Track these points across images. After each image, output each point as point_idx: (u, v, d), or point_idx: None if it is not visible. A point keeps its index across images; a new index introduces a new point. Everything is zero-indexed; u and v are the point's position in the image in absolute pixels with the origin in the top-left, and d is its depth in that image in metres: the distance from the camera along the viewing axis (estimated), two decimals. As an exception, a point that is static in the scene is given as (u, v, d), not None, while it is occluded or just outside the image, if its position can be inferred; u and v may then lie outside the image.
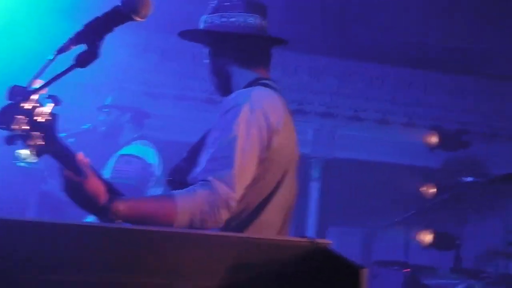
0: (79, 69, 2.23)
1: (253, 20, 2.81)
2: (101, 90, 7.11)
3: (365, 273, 1.72)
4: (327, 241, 1.92)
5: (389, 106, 9.40)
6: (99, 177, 2.35)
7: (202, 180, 2.37)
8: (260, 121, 2.48)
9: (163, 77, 8.67)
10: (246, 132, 2.44)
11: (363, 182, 9.91)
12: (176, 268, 1.73)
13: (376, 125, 9.35)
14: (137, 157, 5.43)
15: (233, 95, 2.62)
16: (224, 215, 2.35)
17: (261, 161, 2.52)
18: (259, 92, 2.62)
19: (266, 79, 2.79)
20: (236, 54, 2.79)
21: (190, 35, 2.90)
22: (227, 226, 2.50)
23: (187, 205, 2.28)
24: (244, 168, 2.41)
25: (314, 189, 9.30)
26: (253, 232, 2.58)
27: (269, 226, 2.65)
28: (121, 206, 2.28)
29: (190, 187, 2.37)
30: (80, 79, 6.96)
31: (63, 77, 2.22)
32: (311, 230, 9.33)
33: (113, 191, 2.36)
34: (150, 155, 5.62)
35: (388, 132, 9.33)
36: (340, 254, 1.87)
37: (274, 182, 2.62)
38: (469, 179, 5.38)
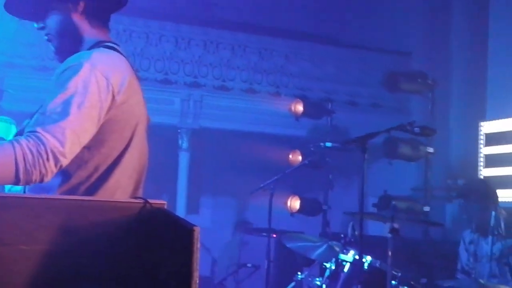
0: None
1: None
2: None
3: (197, 232, 1.69)
4: (162, 202, 1.88)
5: (255, 75, 9.47)
6: None
7: (29, 132, 2.27)
8: (100, 79, 2.41)
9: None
10: (83, 89, 2.36)
11: (232, 151, 10.00)
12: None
13: (243, 94, 9.40)
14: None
15: (73, 55, 2.53)
16: (51, 169, 2.24)
17: (104, 121, 2.45)
18: (100, 52, 2.55)
19: (108, 42, 2.72)
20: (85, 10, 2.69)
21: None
22: (76, 191, 2.43)
23: (7, 153, 2.17)
24: (80, 125, 2.32)
25: (183, 159, 9.25)
26: (103, 195, 2.50)
27: (120, 189, 2.57)
28: None
29: (13, 138, 2.27)
30: None
31: None
32: (181, 201, 9.29)
33: None
34: (5, 131, 5.35)
35: (255, 102, 9.41)
36: (174, 214, 1.83)
37: (122, 143, 2.55)
38: (328, 144, 5.51)
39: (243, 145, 9.36)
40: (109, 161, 2.53)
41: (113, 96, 2.46)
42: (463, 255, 4.95)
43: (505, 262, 4.25)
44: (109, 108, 2.45)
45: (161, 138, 9.76)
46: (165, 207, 1.87)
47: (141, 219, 1.82)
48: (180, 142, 9.28)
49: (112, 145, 2.53)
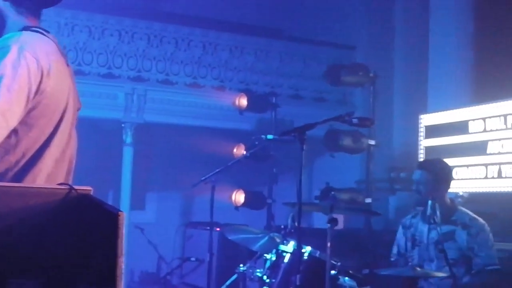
0: None
1: None
2: None
3: (122, 218, 1.69)
4: (87, 188, 1.86)
5: (199, 70, 9.45)
6: None
7: None
8: (30, 61, 2.40)
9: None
10: (12, 72, 2.35)
11: (176, 146, 9.96)
12: None
13: (187, 88, 9.37)
14: None
15: (1, 38, 2.52)
16: None
17: (32, 106, 2.43)
18: (28, 35, 2.54)
19: (37, 27, 2.70)
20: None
21: None
22: (4, 176, 2.41)
23: None
24: (9, 108, 2.31)
25: (127, 154, 9.15)
26: (31, 181, 2.48)
27: (49, 175, 2.55)
28: None
29: None
30: None
31: None
32: (126, 197, 9.20)
33: None
34: None
35: (199, 96, 9.38)
36: (100, 200, 1.82)
37: (50, 128, 2.53)
38: (270, 136, 5.54)
39: (188, 139, 9.33)
40: (37, 146, 2.51)
41: (42, 78, 2.45)
42: (401, 239, 5.05)
43: (441, 248, 4.34)
44: (38, 91, 2.44)
45: (105, 132, 9.73)
46: (91, 193, 1.86)
47: (66, 205, 1.80)
48: (124, 136, 9.19)
49: (40, 130, 2.51)
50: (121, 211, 1.69)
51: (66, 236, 1.79)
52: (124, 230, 1.70)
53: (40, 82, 2.45)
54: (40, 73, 2.44)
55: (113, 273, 1.67)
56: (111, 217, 1.70)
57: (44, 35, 2.65)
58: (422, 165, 5.00)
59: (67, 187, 1.82)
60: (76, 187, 1.83)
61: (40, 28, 2.70)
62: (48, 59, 2.51)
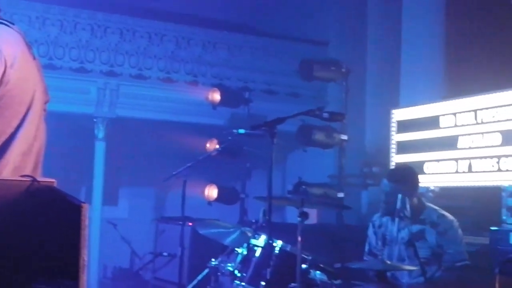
0: None
1: None
2: None
3: (85, 209, 1.68)
4: (51, 180, 1.85)
5: (172, 64, 9.42)
6: None
7: None
8: None
9: None
10: None
11: (149, 141, 9.92)
12: None
13: (160, 83, 9.33)
14: None
15: None
16: None
17: None
18: None
19: (1, 19, 2.67)
20: None
21: None
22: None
23: None
24: None
25: (100, 149, 9.09)
26: None
27: (14, 168, 2.52)
28: None
29: None
30: None
31: None
32: (98, 192, 9.15)
33: None
34: None
35: (172, 91, 9.35)
36: (63, 192, 1.81)
37: (16, 120, 2.50)
38: (241, 131, 5.54)
39: (161, 134, 9.31)
40: (3, 138, 2.48)
41: (5, 69, 2.42)
42: (372, 237, 5.07)
43: (411, 242, 4.36)
44: (1, 82, 2.41)
45: (77, 127, 9.66)
46: (54, 185, 1.84)
47: (29, 197, 1.79)
48: (96, 131, 9.13)
49: (6, 122, 2.48)
50: (84, 202, 1.69)
51: (29, 228, 1.78)
52: (87, 222, 1.69)
53: (4, 73, 2.42)
54: (3, 64, 2.41)
55: (76, 265, 1.67)
56: (74, 208, 1.69)
57: (9, 26, 2.62)
58: (392, 178, 4.94)
59: (29, 178, 1.81)
60: (39, 179, 1.82)
61: (3, 19, 2.67)
62: (12, 50, 2.48)
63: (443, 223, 4.75)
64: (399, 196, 4.42)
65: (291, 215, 8.69)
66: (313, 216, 9.24)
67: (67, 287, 1.65)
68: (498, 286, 3.76)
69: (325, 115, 4.46)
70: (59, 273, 1.69)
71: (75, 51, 8.77)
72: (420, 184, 4.97)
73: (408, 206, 4.37)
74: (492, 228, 4.39)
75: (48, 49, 8.58)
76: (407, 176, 4.98)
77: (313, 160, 9.02)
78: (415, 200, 4.83)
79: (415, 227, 4.62)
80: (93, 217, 8.86)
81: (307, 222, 4.29)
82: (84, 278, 1.67)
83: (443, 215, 4.81)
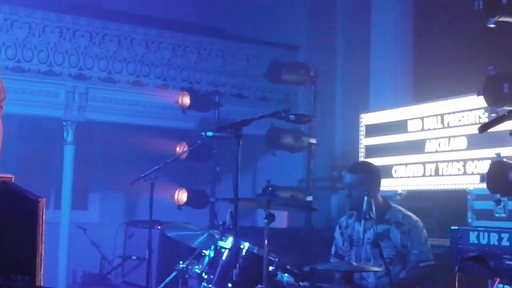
0: None
1: None
2: None
3: (42, 204, 1.68)
4: (9, 176, 1.84)
5: (142, 68, 9.38)
6: None
7: None
8: None
9: None
10: None
11: (119, 144, 9.88)
12: None
13: (130, 87, 9.29)
14: None
15: None
16: None
17: None
18: None
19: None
20: None
21: None
22: None
23: None
24: None
25: (69, 153, 9.01)
26: None
27: None
28: None
29: None
30: None
31: None
32: (67, 197, 9.06)
33: None
34: None
35: (142, 94, 9.32)
36: (20, 188, 1.80)
37: None
38: (209, 133, 5.56)
39: (131, 138, 9.27)
40: None
41: None
42: (338, 239, 5.10)
43: (376, 243, 4.38)
44: None
45: (45, 131, 9.59)
46: (12, 180, 1.84)
47: (-14, 194, 1.78)
48: (65, 135, 9.05)
49: None
50: (41, 197, 1.68)
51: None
52: (44, 217, 1.69)
53: None
54: None
55: (33, 260, 1.66)
56: (31, 204, 1.69)
57: None
58: (351, 169, 5.01)
59: (-13, 175, 1.80)
60: (-3, 175, 1.81)
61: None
62: None
63: (407, 223, 4.80)
64: (365, 198, 4.45)
65: (262, 219, 8.72)
66: (284, 220, 9.28)
67: (23, 283, 1.64)
68: (458, 284, 3.80)
69: (292, 117, 4.50)
70: (15, 268, 1.68)
71: (44, 54, 8.69)
72: (388, 188, 5.02)
73: (374, 208, 4.41)
74: (452, 227, 4.42)
75: (16, 51, 8.50)
76: (365, 166, 5.06)
77: (283, 164, 9.06)
78: (380, 199, 4.89)
79: (380, 227, 4.65)
80: (62, 221, 8.79)
81: (277, 226, 4.31)
82: (41, 274, 1.66)
83: (408, 216, 4.87)
